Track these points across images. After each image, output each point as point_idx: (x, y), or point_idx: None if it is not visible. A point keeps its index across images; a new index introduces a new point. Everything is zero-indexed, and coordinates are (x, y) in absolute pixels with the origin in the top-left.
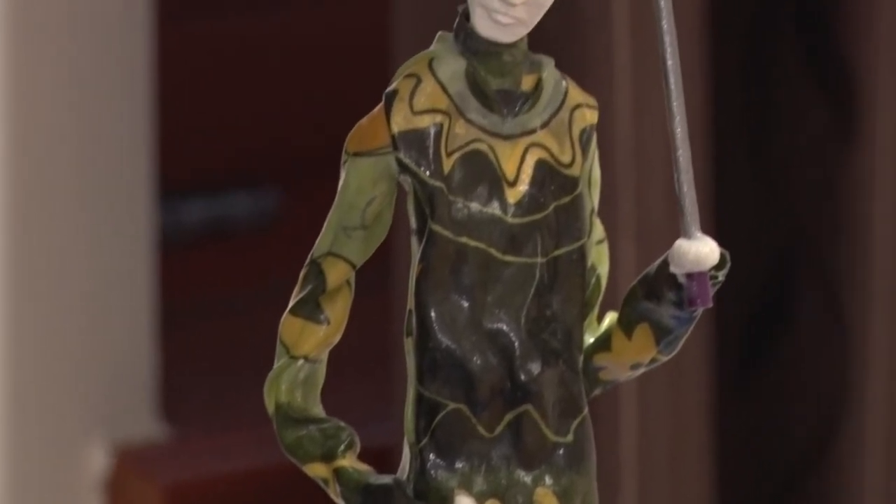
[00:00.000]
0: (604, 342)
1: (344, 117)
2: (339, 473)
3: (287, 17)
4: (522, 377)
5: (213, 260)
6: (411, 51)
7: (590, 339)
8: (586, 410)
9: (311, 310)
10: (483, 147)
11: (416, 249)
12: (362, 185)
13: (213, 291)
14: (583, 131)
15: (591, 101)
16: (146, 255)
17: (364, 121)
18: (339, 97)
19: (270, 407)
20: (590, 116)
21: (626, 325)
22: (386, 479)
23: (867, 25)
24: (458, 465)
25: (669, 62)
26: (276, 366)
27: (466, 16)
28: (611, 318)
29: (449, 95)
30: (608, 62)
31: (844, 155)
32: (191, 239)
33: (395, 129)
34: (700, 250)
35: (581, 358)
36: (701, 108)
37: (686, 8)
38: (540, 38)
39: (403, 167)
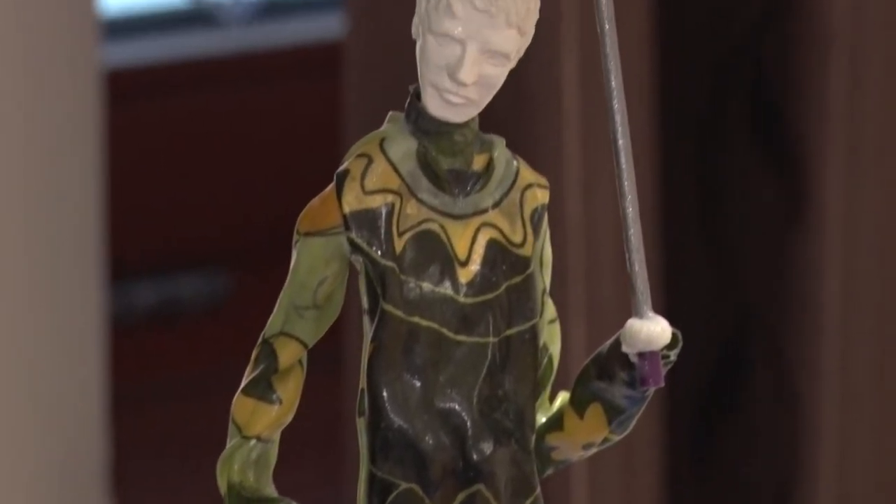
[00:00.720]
0: (556, 422)
1: (294, 198)
2: None
3: (238, 98)
4: (475, 457)
5: (163, 342)
6: (362, 131)
7: (542, 419)
8: (538, 490)
9: (263, 390)
10: (435, 227)
11: (367, 329)
12: (314, 265)
13: (164, 373)
14: (534, 211)
15: (543, 180)
16: (97, 337)
17: (316, 201)
18: (290, 178)
19: (223, 487)
20: (541, 196)
21: (579, 404)
22: None
23: (817, 106)
24: None
25: (621, 141)
26: (228, 446)
27: (417, 95)
28: (563, 397)
29: (400, 175)
30: (558, 142)
31: (794, 234)
32: (142, 321)
33: (347, 208)
34: (652, 330)
35: (533, 437)
36: (652, 188)
37: (637, 88)
38: (491, 118)
39: (355, 247)
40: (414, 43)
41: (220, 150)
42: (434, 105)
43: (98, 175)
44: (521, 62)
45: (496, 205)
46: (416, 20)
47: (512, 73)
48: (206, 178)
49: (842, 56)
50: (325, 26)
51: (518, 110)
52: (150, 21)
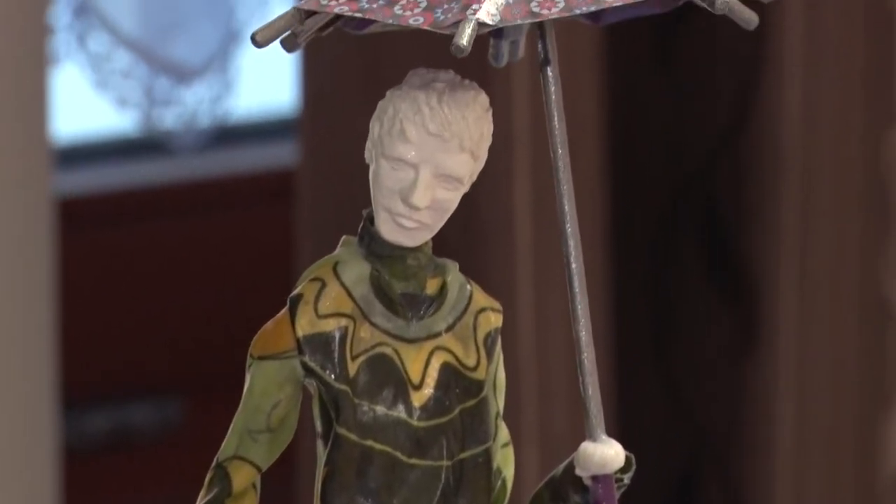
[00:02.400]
0: None
1: (246, 325)
2: None
3: (190, 225)
4: None
5: (116, 469)
6: (315, 256)
7: None
8: None
9: None
10: (388, 350)
11: (321, 452)
12: (267, 389)
13: (118, 501)
14: (487, 335)
15: (496, 304)
16: (49, 464)
17: (269, 324)
18: (242, 305)
19: None
20: (494, 320)
21: None
22: None
23: (770, 239)
24: None
25: (574, 265)
26: None
27: (370, 220)
28: None
29: (354, 299)
30: (510, 266)
31: (747, 362)
32: (94, 448)
33: (300, 332)
34: (606, 453)
35: None
36: (605, 312)
37: (590, 212)
38: (443, 242)
39: (309, 370)
40: (366, 168)
41: (172, 277)
42: (387, 229)
43: (50, 302)
44: (473, 186)
45: (450, 328)
46: (369, 145)
47: (464, 197)
48: (159, 305)
49: (793, 186)
50: (277, 153)
51: (471, 234)
52: (102, 149)
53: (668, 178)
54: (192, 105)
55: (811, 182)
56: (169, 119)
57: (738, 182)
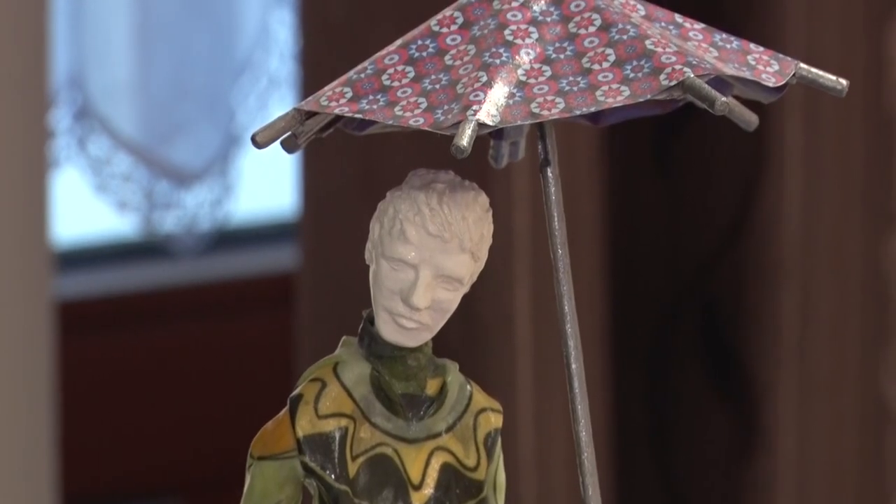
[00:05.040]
0: None
1: (247, 428)
2: None
3: (190, 328)
4: None
5: None
6: (314, 357)
7: None
8: None
9: None
10: (388, 451)
11: None
12: (267, 489)
13: None
14: (487, 435)
15: (496, 405)
16: None
17: (269, 425)
18: (242, 408)
19: None
20: (494, 420)
21: None
22: None
23: (770, 341)
24: None
25: (574, 366)
26: None
27: (370, 320)
28: None
29: (354, 399)
30: (511, 368)
31: (746, 467)
32: None
33: (301, 433)
34: None
35: None
36: (604, 414)
37: (589, 315)
38: (444, 343)
39: (309, 471)
40: (366, 270)
41: (172, 380)
42: (387, 330)
43: (50, 406)
44: (473, 287)
45: (450, 429)
46: (369, 245)
47: (465, 297)
48: (159, 408)
49: (793, 288)
50: (277, 257)
51: (471, 335)
52: (102, 252)
53: (669, 279)
54: (193, 208)
55: (811, 284)
56: (169, 223)
57: (737, 284)
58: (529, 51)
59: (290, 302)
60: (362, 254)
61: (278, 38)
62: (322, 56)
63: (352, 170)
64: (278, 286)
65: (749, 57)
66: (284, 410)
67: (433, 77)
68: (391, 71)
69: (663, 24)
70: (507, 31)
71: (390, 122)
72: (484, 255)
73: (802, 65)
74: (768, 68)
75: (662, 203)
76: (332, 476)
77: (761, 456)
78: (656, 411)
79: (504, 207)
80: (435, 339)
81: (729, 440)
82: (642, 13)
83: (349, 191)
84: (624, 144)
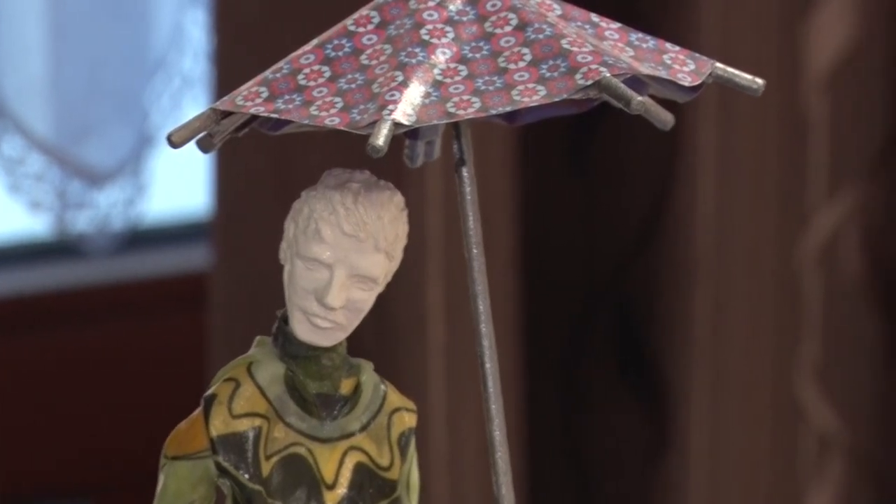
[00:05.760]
0: None
1: (159, 427)
2: None
3: (102, 328)
4: None
5: None
6: (227, 357)
7: None
8: None
9: None
10: (302, 451)
11: None
12: (181, 489)
13: None
14: (401, 435)
15: (410, 404)
16: None
17: (183, 424)
18: (154, 406)
19: None
20: (408, 420)
21: None
22: None
23: (683, 341)
24: None
25: (488, 365)
26: None
27: (285, 320)
28: None
29: (268, 399)
30: (423, 367)
31: (659, 465)
32: None
33: (214, 432)
34: None
35: None
36: (517, 414)
37: (503, 314)
38: (358, 342)
39: (222, 470)
40: (279, 270)
41: (84, 380)
42: (302, 329)
43: None
44: (387, 286)
45: (364, 428)
46: (283, 245)
47: (378, 298)
48: (71, 408)
49: (706, 288)
50: (190, 257)
51: (384, 334)
52: (14, 252)
53: (583, 279)
54: (105, 208)
55: (724, 284)
56: (82, 222)
57: (651, 284)
58: (446, 50)
59: (203, 302)
60: (276, 253)
61: (192, 37)
62: (235, 56)
63: (265, 169)
64: (191, 286)
65: (665, 56)
66: (198, 410)
67: (349, 76)
68: (307, 70)
69: (579, 23)
70: (423, 31)
71: (306, 122)
72: (399, 255)
73: (718, 64)
74: (684, 67)
75: (577, 203)
76: (246, 476)
77: (674, 456)
78: (569, 411)
79: (418, 207)
80: (349, 339)
81: (642, 440)
82: (558, 12)
83: (263, 190)
84: (539, 144)
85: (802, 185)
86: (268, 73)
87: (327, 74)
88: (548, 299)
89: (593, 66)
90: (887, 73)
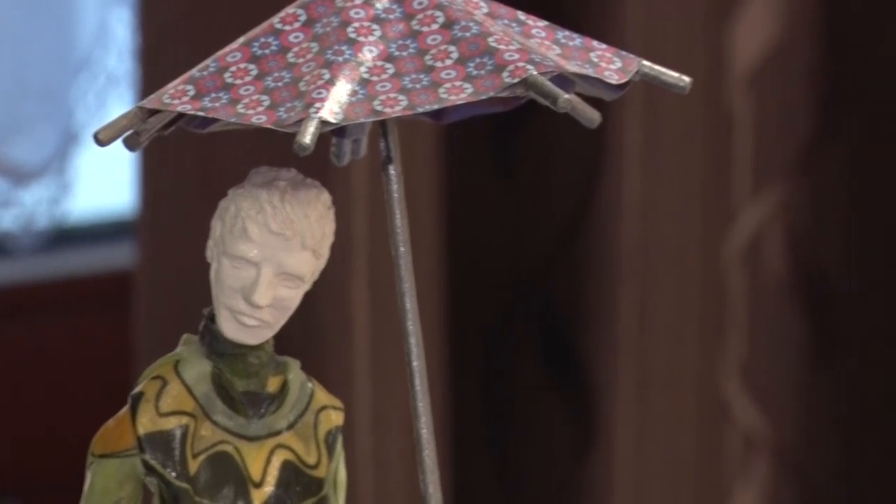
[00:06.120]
0: None
1: (85, 425)
2: None
3: (27, 325)
4: None
5: None
6: (154, 356)
7: None
8: None
9: None
10: (229, 449)
11: None
12: (108, 487)
13: None
14: (328, 433)
15: (337, 403)
16: None
17: (110, 423)
18: (80, 405)
19: None
20: (335, 418)
21: None
22: None
23: (609, 339)
24: None
25: (415, 363)
26: None
27: (212, 318)
28: None
29: (195, 397)
30: (349, 366)
31: (585, 463)
32: None
33: (141, 430)
34: None
35: None
36: (443, 412)
37: (429, 311)
38: (283, 341)
39: (149, 468)
40: (205, 268)
41: (9, 378)
42: (229, 328)
43: None
44: (313, 284)
45: (291, 426)
46: (210, 243)
47: (304, 295)
48: None
49: (632, 286)
50: (115, 255)
51: (309, 333)
52: None
53: (508, 277)
54: (30, 206)
55: (649, 282)
56: (7, 221)
57: (576, 282)
58: (372, 48)
59: (129, 300)
60: (202, 252)
61: (117, 35)
62: (161, 54)
63: (191, 167)
64: (117, 284)
65: (592, 54)
66: (125, 408)
67: (276, 75)
68: (234, 69)
69: (506, 21)
70: (349, 29)
71: (233, 120)
72: (326, 253)
73: (645, 62)
74: (611, 65)
75: (503, 201)
76: (173, 474)
77: (599, 454)
78: (495, 409)
79: (343, 205)
80: (275, 337)
81: (567, 438)
82: (485, 10)
83: (188, 188)
84: (464, 142)
85: (727, 184)
86: (194, 72)
87: (254, 72)
88: (474, 297)
89: (520, 64)
90: (811, 72)
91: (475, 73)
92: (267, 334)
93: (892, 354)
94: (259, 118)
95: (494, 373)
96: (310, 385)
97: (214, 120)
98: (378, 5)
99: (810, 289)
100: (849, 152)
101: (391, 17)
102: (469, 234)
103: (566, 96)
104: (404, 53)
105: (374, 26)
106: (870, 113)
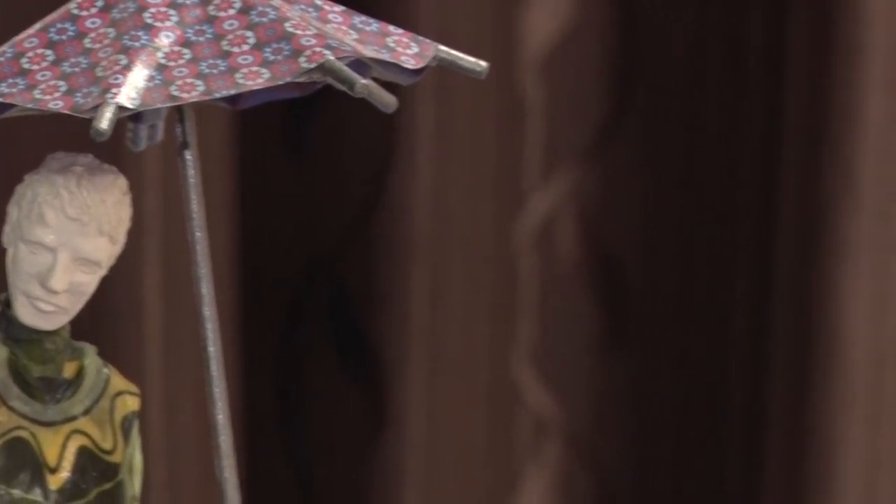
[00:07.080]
0: None
1: None
2: None
3: None
4: None
5: None
6: None
7: None
8: None
9: None
10: (25, 434)
11: None
12: None
13: None
14: (125, 418)
15: (134, 388)
16: None
17: None
18: None
19: None
20: (132, 404)
21: None
22: None
23: (400, 323)
24: None
25: (211, 349)
26: None
27: (7, 303)
28: None
29: None
30: (140, 352)
31: (376, 446)
32: None
33: None
34: None
35: None
36: (237, 398)
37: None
38: (75, 326)
39: None
40: (2, 254)
41: None
42: (25, 313)
43: None
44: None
45: (87, 412)
46: (7, 229)
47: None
48: None
49: (424, 272)
50: None
51: (100, 319)
52: None
53: (300, 262)
54: None
55: (442, 266)
56: None
57: (369, 265)
58: (169, 34)
59: None
60: None
61: None
62: None
63: None
64: None
65: (388, 39)
66: None
67: (73, 60)
68: (31, 54)
69: (303, 6)
70: (146, 14)
71: (30, 106)
72: (122, 238)
73: (442, 47)
74: (408, 50)
75: (297, 186)
76: None
77: (391, 437)
78: (287, 395)
79: (136, 190)
80: (70, 323)
81: (360, 422)
82: None
83: None
84: (256, 126)
85: (519, 168)
86: None
87: (51, 58)
88: (266, 282)
89: (317, 49)
90: (602, 57)
91: (272, 58)
92: (63, 320)
93: (682, 340)
94: (56, 104)
95: (287, 357)
96: (106, 371)
97: (11, 105)
98: None
99: (602, 274)
100: (640, 138)
101: (188, 2)
102: (261, 220)
103: (363, 81)
104: (201, 39)
105: (171, 11)
106: (661, 98)
